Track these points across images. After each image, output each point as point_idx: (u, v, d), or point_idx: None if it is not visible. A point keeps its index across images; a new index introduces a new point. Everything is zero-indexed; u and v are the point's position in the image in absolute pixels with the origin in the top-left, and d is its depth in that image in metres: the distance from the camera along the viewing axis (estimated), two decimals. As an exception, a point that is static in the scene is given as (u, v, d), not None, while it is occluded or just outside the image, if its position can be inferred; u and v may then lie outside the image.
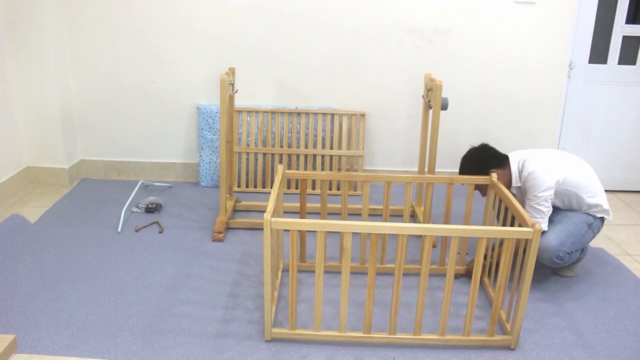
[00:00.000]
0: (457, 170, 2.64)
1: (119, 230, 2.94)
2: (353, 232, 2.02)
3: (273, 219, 1.89)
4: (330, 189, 3.60)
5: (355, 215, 3.18)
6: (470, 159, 2.58)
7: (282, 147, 3.55)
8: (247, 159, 3.58)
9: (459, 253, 2.56)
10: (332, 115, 3.54)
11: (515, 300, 2.05)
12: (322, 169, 3.57)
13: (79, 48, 3.47)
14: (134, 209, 3.21)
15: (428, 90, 2.95)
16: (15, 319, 2.15)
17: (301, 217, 2.51)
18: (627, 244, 3.05)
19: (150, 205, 3.20)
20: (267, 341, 2.08)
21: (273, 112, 3.53)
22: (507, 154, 2.57)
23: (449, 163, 3.65)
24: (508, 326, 2.13)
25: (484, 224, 2.53)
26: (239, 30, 3.43)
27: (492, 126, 3.65)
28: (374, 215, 3.23)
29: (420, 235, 2.87)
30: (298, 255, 2.58)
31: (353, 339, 2.08)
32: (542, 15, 3.40)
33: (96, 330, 2.11)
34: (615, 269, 2.71)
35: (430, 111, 2.86)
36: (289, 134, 3.55)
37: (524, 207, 2.37)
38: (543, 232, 2.37)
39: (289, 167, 3.59)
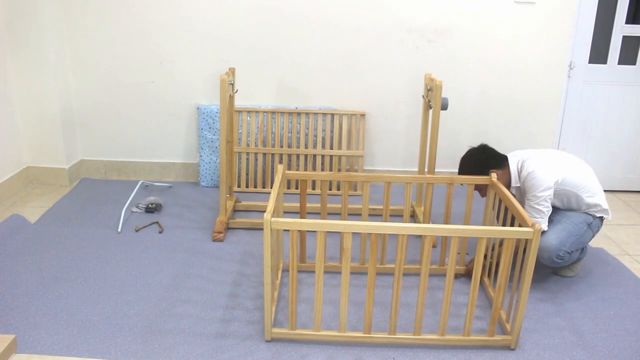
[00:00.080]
0: (457, 171, 2.64)
1: (119, 230, 2.94)
2: (353, 232, 2.02)
3: (273, 219, 1.89)
4: (330, 189, 3.60)
5: (355, 215, 3.18)
6: (469, 159, 2.58)
7: (282, 147, 3.55)
8: (247, 159, 3.58)
9: (459, 253, 2.56)
10: (332, 115, 3.54)
11: (515, 300, 2.05)
12: (322, 169, 3.57)
13: (79, 48, 3.47)
14: (134, 209, 3.21)
15: (428, 90, 2.95)
16: (15, 319, 2.15)
17: (301, 217, 2.51)
18: (627, 244, 3.05)
19: (150, 205, 3.20)
20: (267, 341, 2.08)
21: (273, 112, 3.53)
22: (506, 154, 2.57)
23: (449, 163, 3.65)
24: (508, 326, 2.13)
25: (484, 224, 2.53)
26: (239, 30, 3.43)
27: (492, 126, 3.65)
28: (374, 215, 3.23)
29: (420, 235, 2.87)
30: (298, 255, 2.58)
31: (353, 339, 2.08)
32: (542, 15, 3.40)
33: (96, 330, 2.11)
34: (615, 269, 2.71)
35: (430, 111, 2.86)
36: (289, 134, 3.55)
37: (523, 207, 2.37)
38: (543, 232, 2.37)
39: (289, 167, 3.59)
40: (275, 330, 2.09)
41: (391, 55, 3.49)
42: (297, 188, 3.61)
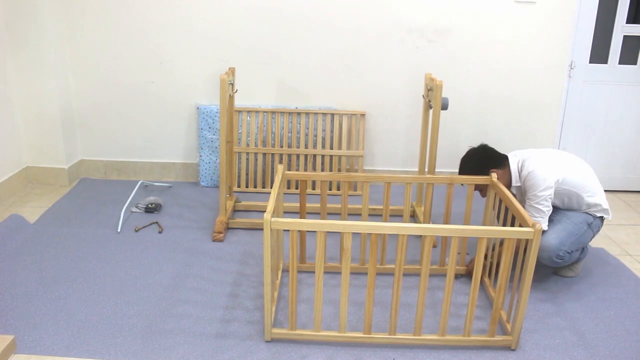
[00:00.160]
0: (457, 171, 2.63)
1: (119, 230, 2.94)
2: (353, 232, 2.02)
3: (273, 219, 1.88)
4: (330, 189, 3.60)
5: (355, 215, 3.18)
6: (469, 159, 2.58)
7: (282, 147, 3.55)
8: (247, 159, 3.58)
9: (459, 253, 2.56)
10: (332, 115, 3.53)
11: (516, 301, 2.04)
12: (322, 169, 3.57)
13: (79, 48, 3.47)
14: (134, 209, 3.21)
15: (428, 90, 2.95)
16: (14, 319, 2.15)
17: (301, 217, 2.50)
18: (628, 244, 3.05)
19: (150, 205, 3.20)
20: (267, 341, 2.07)
21: (273, 112, 3.53)
22: (506, 154, 2.57)
23: (449, 163, 3.65)
24: (508, 326, 2.13)
25: (484, 224, 2.52)
26: (239, 30, 3.43)
27: (492, 126, 3.65)
28: (374, 215, 3.23)
29: (420, 235, 2.87)
30: (298, 256, 2.58)
31: (353, 339, 2.08)
32: (542, 15, 3.40)
33: (96, 330, 2.10)
34: (616, 269, 2.71)
35: (431, 111, 2.85)
36: (289, 134, 3.55)
37: (523, 206, 2.37)
38: (543, 232, 2.37)
39: (289, 167, 3.59)
40: (275, 330, 2.08)
41: (391, 55, 3.49)
42: (297, 188, 3.61)
